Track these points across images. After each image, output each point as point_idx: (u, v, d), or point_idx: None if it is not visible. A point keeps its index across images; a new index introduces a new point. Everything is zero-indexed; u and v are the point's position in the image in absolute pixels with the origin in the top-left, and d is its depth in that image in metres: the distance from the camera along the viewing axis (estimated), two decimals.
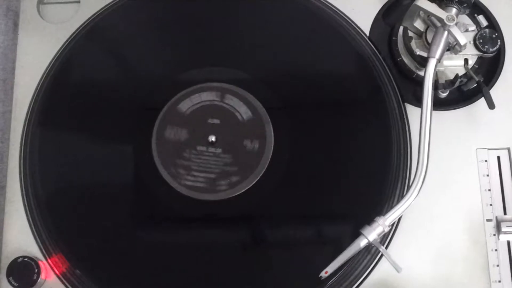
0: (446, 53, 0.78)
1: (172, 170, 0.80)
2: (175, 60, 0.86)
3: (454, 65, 0.82)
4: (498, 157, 0.80)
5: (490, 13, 0.85)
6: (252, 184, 0.79)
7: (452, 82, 0.80)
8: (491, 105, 0.78)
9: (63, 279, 0.77)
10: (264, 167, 0.79)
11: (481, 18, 0.84)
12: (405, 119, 0.82)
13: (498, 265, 0.76)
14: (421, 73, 0.81)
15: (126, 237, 0.79)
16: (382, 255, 0.74)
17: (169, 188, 0.79)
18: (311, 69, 0.84)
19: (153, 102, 0.83)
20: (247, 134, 0.81)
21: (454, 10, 0.77)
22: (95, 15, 0.88)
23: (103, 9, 0.88)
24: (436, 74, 0.77)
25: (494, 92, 0.80)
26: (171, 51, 0.87)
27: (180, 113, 0.82)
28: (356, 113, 0.82)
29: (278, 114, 0.82)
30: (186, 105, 0.82)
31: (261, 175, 0.79)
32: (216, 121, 0.81)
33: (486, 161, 0.80)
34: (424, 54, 0.80)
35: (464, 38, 0.76)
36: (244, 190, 0.79)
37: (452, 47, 0.78)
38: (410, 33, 0.82)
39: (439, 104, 0.81)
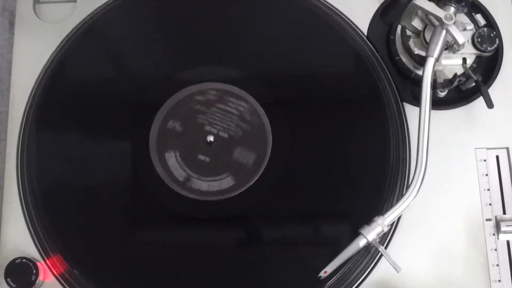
0: (444, 52, 0.77)
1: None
2: (171, 59, 0.86)
3: (452, 64, 0.82)
4: (497, 157, 0.80)
5: (488, 11, 0.84)
6: (251, 183, 0.79)
7: (450, 81, 0.79)
8: (489, 104, 0.78)
9: (61, 280, 0.77)
10: (261, 167, 0.79)
11: (479, 17, 0.84)
12: (404, 118, 0.82)
13: (497, 265, 0.76)
14: (420, 72, 0.81)
15: (124, 237, 0.78)
16: (381, 255, 0.73)
17: (168, 188, 0.79)
18: (309, 68, 0.84)
19: (150, 101, 0.83)
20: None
21: (452, 9, 0.77)
22: (91, 14, 0.88)
23: (99, 8, 0.88)
24: (434, 73, 0.77)
25: (493, 91, 0.80)
26: (168, 50, 0.86)
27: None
28: (354, 112, 0.82)
29: (275, 112, 0.82)
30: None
31: (259, 175, 0.79)
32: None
33: (485, 160, 0.80)
34: (422, 53, 0.80)
35: (462, 37, 0.76)
36: (243, 189, 0.79)
37: (450, 46, 0.78)
38: (408, 32, 0.82)
39: (437, 104, 0.81)
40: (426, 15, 0.79)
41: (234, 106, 0.82)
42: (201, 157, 0.80)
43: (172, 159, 0.80)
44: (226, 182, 0.79)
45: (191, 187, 0.79)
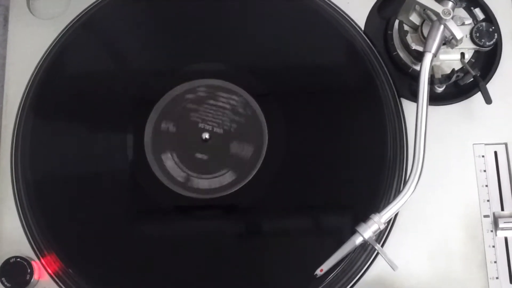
0: (442, 47, 0.77)
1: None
2: (164, 57, 0.85)
3: (450, 59, 0.81)
4: (495, 152, 0.80)
5: (487, 6, 0.84)
6: (246, 181, 0.78)
7: (448, 76, 0.79)
8: (488, 100, 0.77)
9: (56, 279, 0.77)
10: (258, 163, 0.79)
11: (477, 11, 0.83)
12: (401, 114, 0.81)
13: (495, 262, 0.76)
14: (417, 68, 0.80)
15: (120, 236, 0.78)
16: (378, 253, 0.73)
17: (166, 188, 0.79)
18: (306, 63, 0.83)
19: (144, 97, 0.83)
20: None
21: (450, 4, 0.76)
22: (85, 10, 0.87)
23: (93, 4, 0.87)
24: (432, 68, 0.76)
25: (491, 86, 0.80)
26: (160, 47, 0.86)
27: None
28: (351, 108, 0.81)
29: (272, 110, 0.81)
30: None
31: (255, 172, 0.78)
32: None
33: (483, 156, 0.79)
34: (420, 49, 0.79)
35: (460, 32, 0.75)
36: (237, 188, 0.78)
37: (449, 41, 0.77)
38: (406, 27, 0.81)
39: (435, 99, 0.80)
40: (424, 9, 0.78)
41: (229, 101, 0.81)
42: (199, 155, 0.80)
43: (169, 160, 0.80)
44: (226, 178, 0.79)
45: (191, 186, 0.79)
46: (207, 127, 0.80)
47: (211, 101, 0.81)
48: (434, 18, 0.76)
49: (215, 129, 0.80)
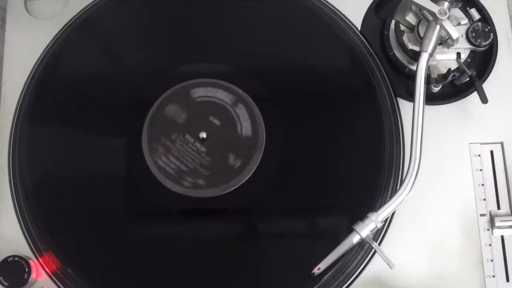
0: (438, 47, 0.77)
1: (153, 145, 0.79)
2: (163, 56, 0.85)
3: (446, 59, 0.81)
4: (491, 152, 0.80)
5: (483, 6, 0.84)
6: (244, 181, 0.78)
7: (444, 76, 0.79)
8: (484, 99, 0.78)
9: (54, 278, 0.77)
10: (256, 162, 0.79)
11: (473, 11, 0.83)
12: (397, 113, 0.81)
13: (492, 260, 0.76)
14: (413, 68, 0.80)
15: (117, 235, 0.78)
16: (375, 251, 0.73)
17: (162, 186, 0.79)
18: (302, 63, 0.83)
19: (142, 98, 0.82)
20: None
21: (446, 4, 0.76)
22: (83, 10, 0.87)
23: (91, 4, 0.87)
24: (428, 68, 0.76)
25: (487, 86, 0.80)
26: (160, 46, 0.86)
27: (190, 97, 0.82)
28: (347, 108, 0.81)
29: (269, 108, 0.81)
30: (197, 93, 0.82)
31: (253, 171, 0.78)
32: (217, 121, 0.80)
33: (479, 155, 0.80)
34: (416, 48, 0.79)
35: (456, 32, 0.75)
36: (238, 185, 0.78)
37: (445, 41, 0.77)
38: (402, 27, 0.82)
39: (431, 99, 0.80)
40: (420, 10, 0.78)
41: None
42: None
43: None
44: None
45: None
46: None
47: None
48: (430, 18, 0.76)
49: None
